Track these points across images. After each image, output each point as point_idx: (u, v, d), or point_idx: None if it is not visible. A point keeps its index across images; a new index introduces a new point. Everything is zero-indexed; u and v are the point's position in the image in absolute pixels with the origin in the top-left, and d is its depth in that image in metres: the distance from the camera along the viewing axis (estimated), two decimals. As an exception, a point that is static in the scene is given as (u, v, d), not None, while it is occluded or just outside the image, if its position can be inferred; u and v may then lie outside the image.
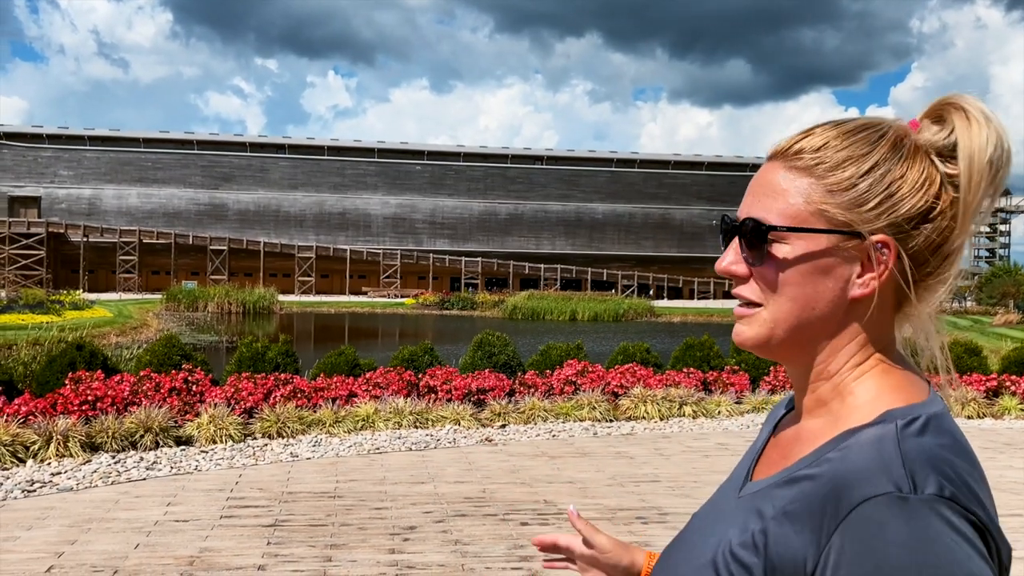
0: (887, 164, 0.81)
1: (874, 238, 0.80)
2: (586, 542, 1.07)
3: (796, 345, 0.84)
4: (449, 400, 9.65)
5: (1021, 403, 10.97)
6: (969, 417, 10.59)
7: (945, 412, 0.79)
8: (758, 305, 0.84)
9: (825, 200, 0.81)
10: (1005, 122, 0.80)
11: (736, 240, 0.85)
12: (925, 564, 0.67)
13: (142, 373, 9.06)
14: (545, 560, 1.13)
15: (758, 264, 0.83)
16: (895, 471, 0.71)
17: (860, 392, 0.81)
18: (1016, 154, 0.84)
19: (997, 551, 0.72)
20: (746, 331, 0.85)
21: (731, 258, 0.85)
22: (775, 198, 0.83)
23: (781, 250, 0.82)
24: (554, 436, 8.85)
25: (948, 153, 0.80)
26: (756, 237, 0.83)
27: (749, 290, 0.85)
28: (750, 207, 0.84)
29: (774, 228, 0.82)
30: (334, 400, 9.21)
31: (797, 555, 0.73)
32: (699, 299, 72.00)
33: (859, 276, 0.81)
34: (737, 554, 0.77)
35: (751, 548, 0.76)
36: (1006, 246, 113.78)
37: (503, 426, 9.23)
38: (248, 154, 75.62)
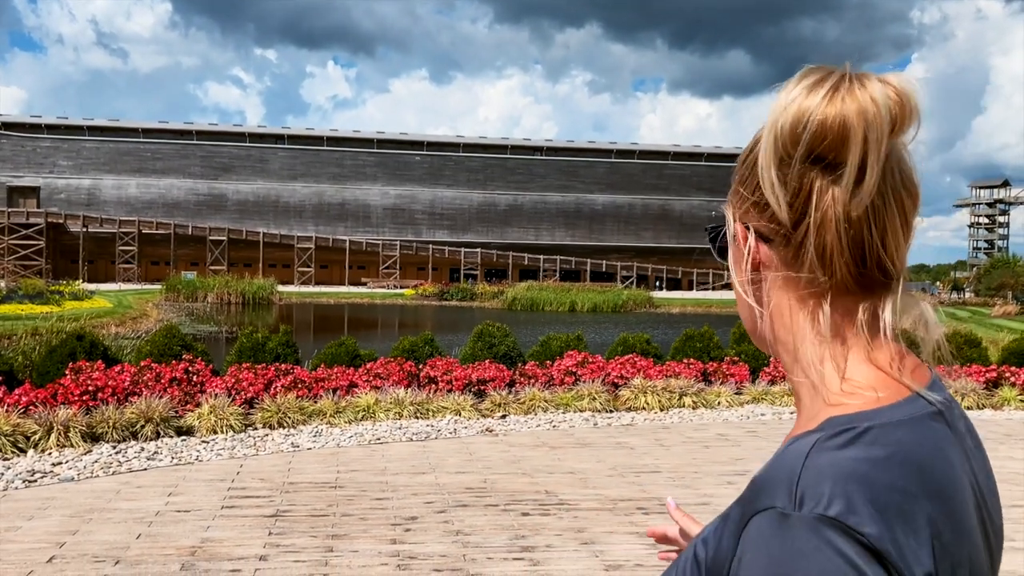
0: (756, 149, 0.80)
1: (737, 224, 0.82)
2: (683, 532, 1.07)
3: (755, 337, 0.86)
4: (450, 391, 9.65)
5: (1020, 394, 10.98)
6: (968, 408, 10.60)
7: (908, 420, 0.73)
8: None
9: (730, 195, 0.85)
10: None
11: None
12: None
13: (143, 363, 9.06)
14: (661, 552, 1.13)
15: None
16: (788, 486, 0.69)
17: (827, 393, 0.77)
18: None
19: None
20: None
21: None
22: None
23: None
24: (554, 427, 8.86)
25: None
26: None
27: None
28: None
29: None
30: (335, 391, 9.21)
31: (724, 556, 0.73)
32: (698, 290, 72.03)
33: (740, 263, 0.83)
34: (696, 548, 0.78)
35: (705, 544, 0.77)
36: (1005, 237, 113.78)
37: (503, 417, 9.24)
38: (247, 144, 75.49)
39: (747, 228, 0.81)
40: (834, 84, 0.75)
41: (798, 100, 0.74)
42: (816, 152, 0.74)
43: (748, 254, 0.81)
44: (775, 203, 0.76)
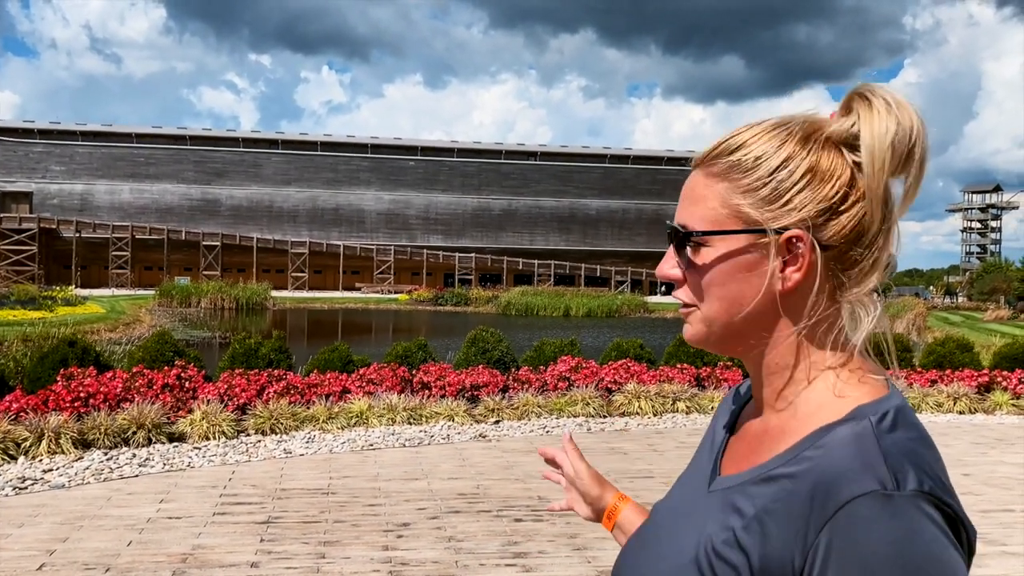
0: (797, 159, 0.83)
1: (788, 233, 0.82)
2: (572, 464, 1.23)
3: (736, 340, 0.88)
4: (443, 396, 9.64)
5: (1012, 398, 11.00)
6: (961, 412, 10.62)
7: (906, 404, 0.81)
8: (695, 305, 0.88)
9: (740, 201, 0.84)
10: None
11: (671, 247, 0.90)
12: (909, 557, 0.70)
13: (135, 369, 9.03)
14: (545, 471, 1.29)
15: (688, 268, 0.87)
16: (879, 469, 0.73)
17: (822, 387, 0.84)
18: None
19: (967, 538, 0.76)
20: (688, 329, 0.90)
21: (669, 263, 0.90)
22: (697, 204, 0.87)
23: (705, 254, 0.85)
24: (548, 432, 8.85)
25: (854, 142, 0.82)
26: (680, 243, 0.87)
27: (684, 292, 0.89)
28: (679, 214, 0.89)
29: (692, 233, 0.86)
30: (327, 396, 9.19)
31: (784, 554, 0.75)
32: (692, 295, 72.05)
33: (782, 271, 0.83)
34: (721, 552, 0.79)
35: (735, 546, 0.78)
36: (997, 242, 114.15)
37: (497, 422, 9.23)
38: (241, 149, 75.40)
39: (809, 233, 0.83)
40: (900, 101, 0.81)
41: (899, 116, 0.80)
42: (903, 166, 0.81)
43: (806, 260, 0.82)
44: (872, 214, 0.81)
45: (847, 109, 0.83)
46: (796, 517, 0.75)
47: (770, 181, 0.83)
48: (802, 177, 0.82)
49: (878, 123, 0.80)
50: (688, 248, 0.87)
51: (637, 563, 0.91)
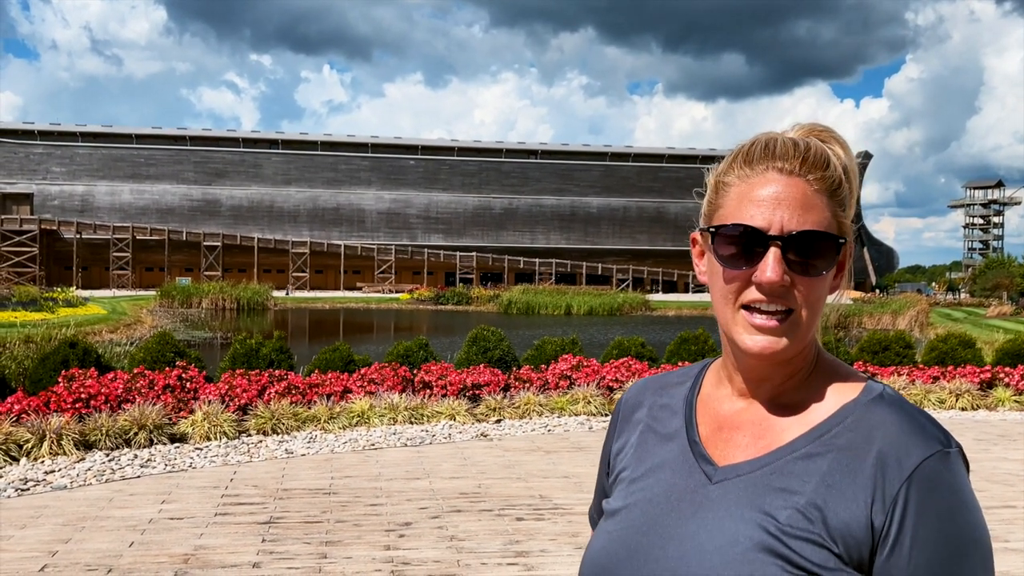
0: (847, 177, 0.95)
1: (850, 241, 0.93)
2: None
3: (803, 343, 0.93)
4: (444, 395, 9.63)
5: (1015, 395, 10.99)
6: (963, 409, 10.61)
7: None
8: (788, 313, 0.89)
9: (840, 213, 0.92)
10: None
11: (776, 252, 0.87)
12: (967, 498, 0.85)
13: (136, 370, 9.03)
14: None
15: (822, 274, 0.90)
16: (932, 432, 0.86)
17: (827, 372, 0.94)
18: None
19: None
20: (783, 340, 0.89)
21: (781, 269, 0.88)
22: (811, 212, 0.89)
23: (831, 259, 0.90)
24: (549, 431, 8.84)
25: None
26: (830, 250, 0.90)
27: (788, 300, 0.89)
28: (789, 220, 0.88)
29: (844, 240, 0.91)
30: (329, 396, 9.18)
31: (858, 517, 0.83)
32: (694, 292, 72.05)
33: (834, 277, 0.93)
34: (790, 530, 0.84)
35: (805, 519, 0.84)
36: (999, 238, 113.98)
37: (498, 421, 9.22)
38: (241, 150, 75.42)
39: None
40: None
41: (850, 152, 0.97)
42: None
43: (847, 263, 0.95)
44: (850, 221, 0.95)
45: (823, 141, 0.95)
46: (864, 483, 0.84)
47: (848, 196, 0.93)
48: (856, 195, 0.95)
49: (853, 156, 0.96)
50: (820, 254, 0.89)
51: (665, 556, 0.90)
